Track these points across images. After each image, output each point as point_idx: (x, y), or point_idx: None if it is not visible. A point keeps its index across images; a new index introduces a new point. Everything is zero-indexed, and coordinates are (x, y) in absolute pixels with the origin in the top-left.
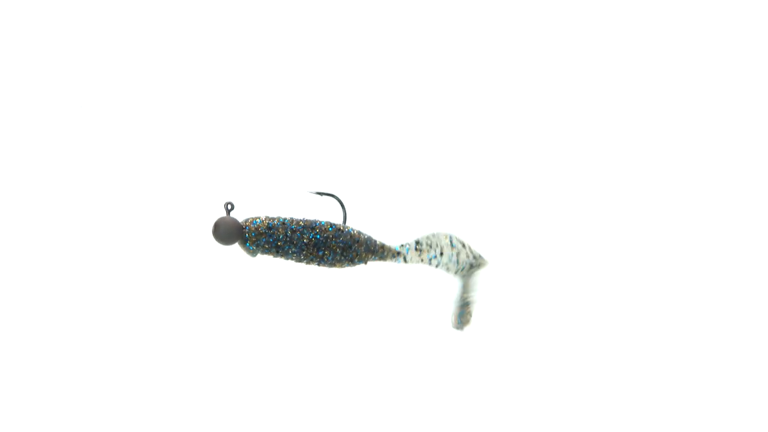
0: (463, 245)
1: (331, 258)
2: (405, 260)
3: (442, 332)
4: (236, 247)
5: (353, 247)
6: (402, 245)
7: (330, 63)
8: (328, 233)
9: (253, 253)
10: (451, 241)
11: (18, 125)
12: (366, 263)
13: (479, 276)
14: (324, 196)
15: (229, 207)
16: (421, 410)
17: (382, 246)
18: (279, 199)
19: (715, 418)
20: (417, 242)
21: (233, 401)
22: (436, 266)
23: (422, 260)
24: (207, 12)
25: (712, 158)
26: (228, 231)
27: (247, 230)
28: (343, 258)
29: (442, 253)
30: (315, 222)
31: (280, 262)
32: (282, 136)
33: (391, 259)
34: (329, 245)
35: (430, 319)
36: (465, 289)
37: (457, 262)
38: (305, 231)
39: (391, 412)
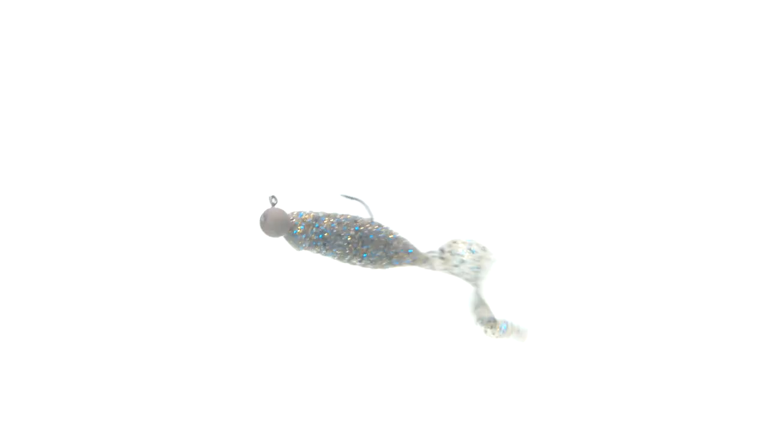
0: (484, 249)
1: (373, 254)
2: (432, 267)
3: (450, 335)
4: (281, 241)
5: (393, 244)
6: (429, 252)
7: (350, 68)
8: (371, 228)
9: (300, 245)
10: (470, 248)
11: (40, 126)
12: (401, 265)
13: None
14: (352, 200)
15: (274, 200)
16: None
17: (415, 249)
18: (307, 198)
19: (715, 417)
20: (441, 250)
21: (249, 400)
22: (458, 274)
23: (446, 268)
24: (235, 13)
25: (712, 158)
26: (277, 221)
27: (294, 221)
28: (383, 255)
29: (463, 261)
30: (356, 217)
31: (316, 260)
32: (301, 138)
33: (421, 264)
34: (372, 240)
35: (440, 323)
36: (479, 306)
37: (478, 268)
38: (350, 225)
39: (399, 413)
